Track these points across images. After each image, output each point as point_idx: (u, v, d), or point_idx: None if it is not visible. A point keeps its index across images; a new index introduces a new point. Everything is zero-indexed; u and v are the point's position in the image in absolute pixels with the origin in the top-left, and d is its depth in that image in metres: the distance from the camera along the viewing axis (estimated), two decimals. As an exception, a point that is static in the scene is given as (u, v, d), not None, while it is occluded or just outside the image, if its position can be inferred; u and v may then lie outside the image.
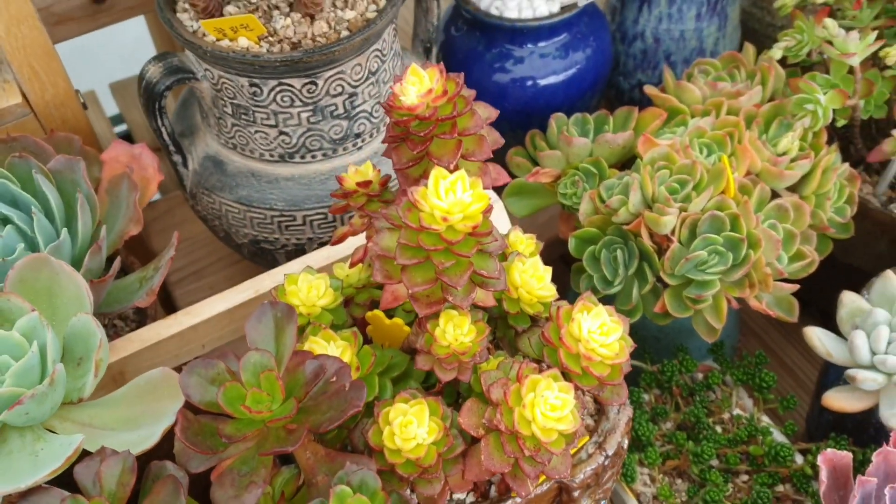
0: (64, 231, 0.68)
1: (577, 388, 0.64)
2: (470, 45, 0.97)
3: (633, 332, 0.90)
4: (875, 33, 0.83)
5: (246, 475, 0.47)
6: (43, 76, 0.83)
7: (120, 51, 1.54)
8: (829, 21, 0.85)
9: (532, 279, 0.60)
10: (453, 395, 0.61)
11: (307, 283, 0.60)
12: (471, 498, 0.63)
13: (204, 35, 0.76)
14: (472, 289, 0.53)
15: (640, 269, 0.81)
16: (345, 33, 0.76)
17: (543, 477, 0.60)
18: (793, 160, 0.84)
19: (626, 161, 0.90)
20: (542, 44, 0.95)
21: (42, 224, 0.68)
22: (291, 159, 0.82)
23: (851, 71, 0.85)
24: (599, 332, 0.55)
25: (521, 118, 0.98)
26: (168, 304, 1.06)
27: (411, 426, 0.52)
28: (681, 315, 0.79)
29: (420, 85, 0.53)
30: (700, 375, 0.89)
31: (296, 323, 0.51)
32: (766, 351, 1.11)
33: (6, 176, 0.71)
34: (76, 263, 0.69)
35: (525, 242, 0.65)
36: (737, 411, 0.86)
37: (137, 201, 0.74)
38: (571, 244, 0.84)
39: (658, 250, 0.80)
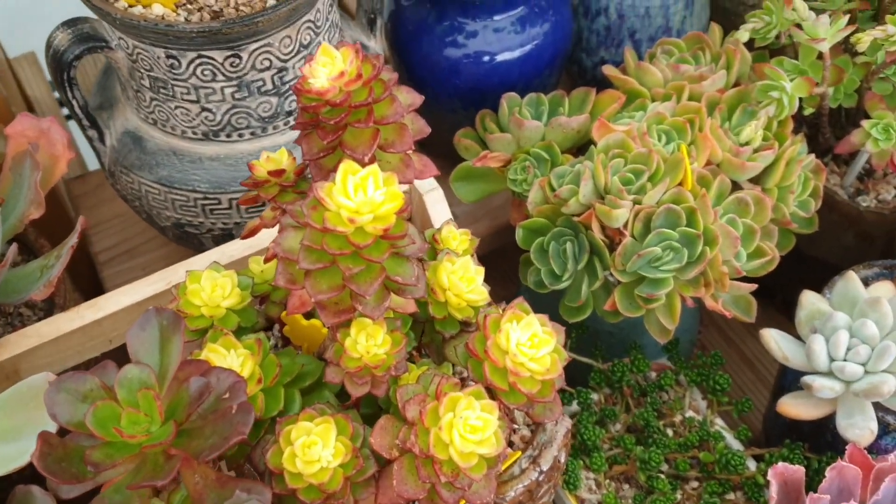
0: (-50, 214, 0.62)
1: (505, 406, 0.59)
2: (420, 17, 0.91)
3: (586, 326, 0.85)
4: (847, 17, 0.77)
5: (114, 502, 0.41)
6: (-56, 39, 0.76)
7: (63, 10, 1.44)
8: (798, 3, 0.79)
9: (461, 281, 0.55)
10: (373, 405, 0.56)
11: (211, 280, 0.54)
12: (392, 516, 0.58)
13: (116, 0, 0.69)
14: (386, 297, 0.47)
15: (591, 263, 0.76)
16: (271, 2, 0.69)
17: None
18: (756, 150, 0.78)
19: (581, 146, 0.84)
20: (496, 17, 0.88)
21: (-74, 206, 0.62)
22: (216, 137, 0.75)
23: (821, 56, 0.80)
24: (529, 345, 0.50)
25: (475, 96, 0.91)
26: (97, 285, 1.00)
27: (315, 447, 0.47)
28: (632, 314, 0.74)
29: (332, 66, 0.47)
30: (653, 374, 0.84)
31: (182, 333, 0.45)
32: (727, 342, 1.07)
33: None
34: (-34, 250, 0.63)
35: (458, 238, 0.60)
36: (690, 413, 0.82)
37: (38, 182, 0.67)
38: (519, 235, 0.79)
39: (610, 244, 0.75)
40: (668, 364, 0.85)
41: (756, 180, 0.80)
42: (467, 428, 0.47)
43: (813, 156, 0.82)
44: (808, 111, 0.83)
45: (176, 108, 0.73)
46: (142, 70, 0.72)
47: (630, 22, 0.98)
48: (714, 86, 0.82)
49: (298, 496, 0.48)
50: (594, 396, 0.83)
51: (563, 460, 0.61)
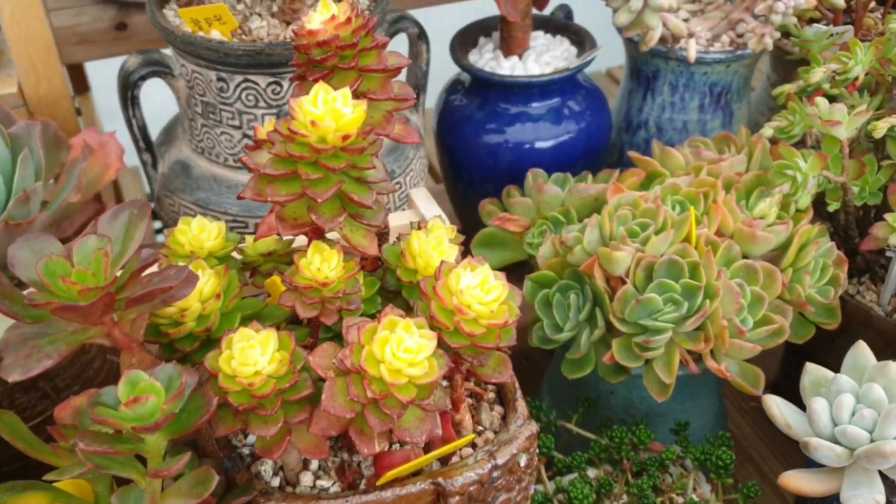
0: (-3, 176, 0.69)
1: (472, 388, 0.58)
2: (465, 105, 0.97)
3: (597, 412, 0.83)
4: (865, 108, 0.79)
5: (44, 349, 0.43)
6: (40, 69, 0.87)
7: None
8: (820, 99, 0.82)
9: (433, 250, 0.56)
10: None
11: (199, 224, 0.58)
12: (336, 488, 0.56)
13: (182, 28, 0.78)
14: (341, 213, 0.50)
15: (593, 314, 0.75)
16: (315, 38, 0.77)
17: (411, 464, 0.53)
18: (769, 226, 0.78)
19: (600, 217, 0.86)
20: (534, 104, 0.94)
21: (-23, 167, 0.69)
22: (253, 166, 0.81)
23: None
24: (480, 289, 0.50)
25: (507, 179, 0.96)
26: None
27: (252, 351, 0.48)
28: (629, 364, 0.73)
29: (326, 13, 0.53)
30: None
31: (148, 221, 0.49)
32: (765, 483, 1.00)
33: (-38, 129, 0.73)
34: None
35: (445, 230, 0.62)
36: (692, 496, 0.76)
37: (83, 170, 0.74)
38: (527, 288, 0.80)
39: (612, 295, 0.75)
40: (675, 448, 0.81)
41: (771, 262, 0.80)
42: (401, 348, 0.47)
43: (833, 244, 0.81)
44: (832, 206, 0.83)
45: (221, 133, 0.81)
46: (196, 96, 0.80)
47: (668, 135, 1.03)
48: (732, 168, 0.84)
49: (229, 400, 0.48)
50: (592, 473, 0.79)
51: (522, 464, 0.59)
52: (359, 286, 0.52)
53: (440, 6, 1.16)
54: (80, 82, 1.32)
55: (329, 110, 0.48)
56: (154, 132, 0.91)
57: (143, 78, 0.80)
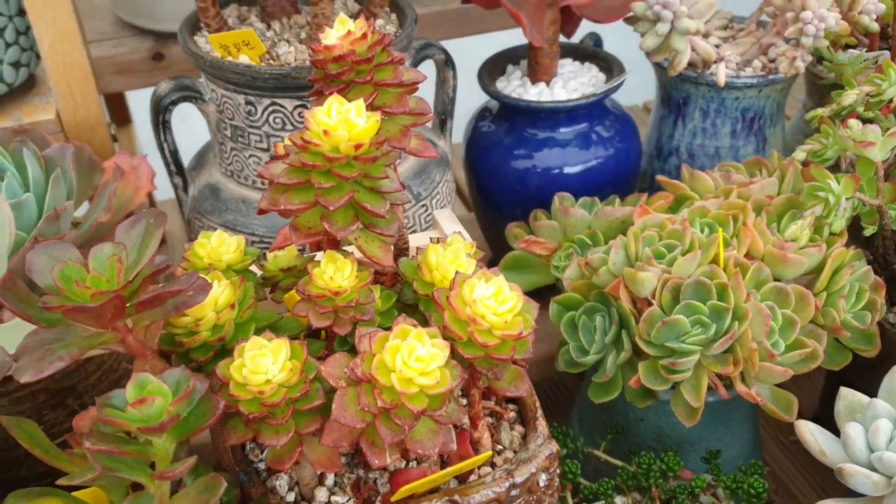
0: (28, 195, 0.70)
1: (492, 408, 0.58)
2: (492, 132, 0.98)
3: (627, 440, 0.81)
4: (901, 130, 0.78)
5: (57, 352, 0.43)
6: (77, 96, 0.89)
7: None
8: (853, 121, 0.80)
9: (450, 264, 0.56)
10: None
11: (219, 237, 0.58)
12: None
13: (212, 53, 0.80)
14: (353, 221, 0.50)
15: (619, 336, 0.74)
16: (342, 62, 0.78)
17: (427, 480, 0.52)
18: (801, 249, 0.77)
19: (627, 241, 0.85)
20: (561, 129, 0.94)
21: (11, 187, 0.71)
22: (280, 188, 0.82)
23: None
24: (494, 300, 0.50)
25: (535, 204, 0.95)
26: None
27: (264, 359, 0.48)
28: (656, 387, 0.71)
29: (343, 29, 0.53)
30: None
31: (163, 228, 0.49)
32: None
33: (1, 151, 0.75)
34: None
35: (465, 246, 0.61)
36: (724, 527, 0.74)
37: (114, 192, 0.75)
38: (552, 310, 0.79)
39: (639, 317, 0.73)
40: (706, 477, 0.78)
41: (804, 286, 0.78)
42: (412, 356, 0.47)
43: (869, 267, 0.79)
44: (868, 230, 0.81)
45: (250, 156, 0.82)
46: (226, 120, 0.81)
47: (700, 161, 1.02)
48: (763, 191, 0.82)
49: (240, 409, 0.48)
50: (619, 500, 0.77)
51: (542, 484, 0.57)
52: (372, 296, 0.52)
53: (471, 38, 1.17)
54: (121, 115, 1.36)
55: (342, 120, 0.48)
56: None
57: (175, 102, 0.82)
